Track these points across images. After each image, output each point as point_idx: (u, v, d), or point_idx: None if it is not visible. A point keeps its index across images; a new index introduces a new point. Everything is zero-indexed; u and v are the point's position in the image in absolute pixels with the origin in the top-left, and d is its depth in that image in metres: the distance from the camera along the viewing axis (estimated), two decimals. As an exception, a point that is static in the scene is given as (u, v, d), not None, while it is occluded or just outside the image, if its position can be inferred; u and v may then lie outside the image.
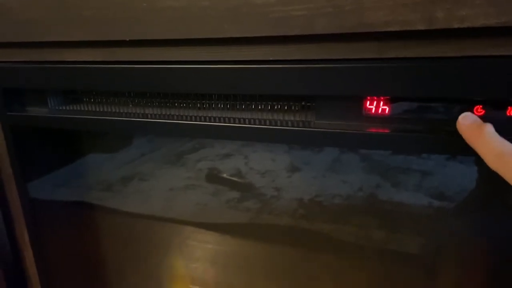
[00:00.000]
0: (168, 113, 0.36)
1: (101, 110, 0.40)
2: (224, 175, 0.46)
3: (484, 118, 0.27)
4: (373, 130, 0.30)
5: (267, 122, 0.33)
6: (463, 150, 0.28)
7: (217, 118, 0.34)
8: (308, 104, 0.32)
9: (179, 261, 0.52)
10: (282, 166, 0.43)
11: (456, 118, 0.28)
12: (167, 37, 0.31)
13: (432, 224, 0.38)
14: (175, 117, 0.35)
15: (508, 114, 0.27)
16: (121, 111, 0.38)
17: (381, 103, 0.30)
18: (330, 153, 0.40)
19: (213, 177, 0.46)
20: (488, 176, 0.29)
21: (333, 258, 0.44)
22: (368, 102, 0.30)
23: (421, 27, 0.25)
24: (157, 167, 0.49)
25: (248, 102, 0.33)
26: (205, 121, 0.34)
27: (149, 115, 0.37)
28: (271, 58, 0.30)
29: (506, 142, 0.24)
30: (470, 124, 0.26)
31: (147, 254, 0.52)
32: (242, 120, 0.33)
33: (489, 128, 0.25)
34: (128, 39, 0.32)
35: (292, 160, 0.42)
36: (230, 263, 0.50)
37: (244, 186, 0.45)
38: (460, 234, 0.37)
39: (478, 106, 0.27)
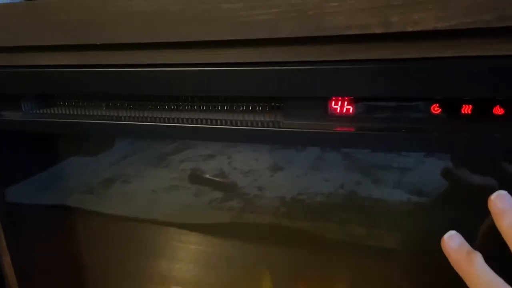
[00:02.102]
0: (142, 115, 0.37)
1: (76, 113, 0.40)
2: (207, 176, 0.46)
3: (440, 116, 0.29)
4: (339, 129, 0.31)
5: (238, 123, 0.34)
6: (421, 147, 0.29)
7: (189, 120, 0.35)
8: (277, 105, 0.33)
9: (162, 262, 0.52)
10: (265, 166, 0.43)
11: (415, 115, 0.30)
12: (139, 41, 0.32)
13: (411, 219, 0.39)
14: (148, 119, 0.36)
15: (462, 112, 0.29)
16: (96, 113, 0.39)
17: (345, 103, 0.31)
18: (313, 152, 0.41)
19: (196, 177, 0.46)
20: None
21: (315, 255, 0.45)
22: (333, 102, 0.31)
23: (378, 30, 0.26)
24: (140, 168, 0.49)
25: (219, 104, 0.34)
26: (178, 123, 0.35)
27: (122, 118, 0.37)
28: (240, 61, 0.31)
29: (499, 280, 0.23)
30: (457, 248, 0.25)
31: (129, 256, 0.52)
32: (214, 121, 0.34)
33: (479, 259, 0.24)
34: (99, 43, 0.32)
35: (275, 159, 0.43)
36: (213, 263, 0.50)
37: (227, 186, 0.45)
38: (436, 229, 0.38)
39: (435, 104, 0.29)
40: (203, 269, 0.51)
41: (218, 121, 0.34)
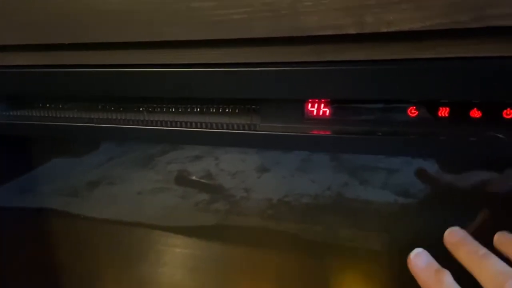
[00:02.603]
0: (113, 117, 0.35)
1: (47, 115, 0.38)
2: (193, 177, 0.45)
3: (417, 119, 0.28)
4: (315, 132, 0.31)
5: (214, 126, 0.33)
6: (398, 151, 0.29)
7: (162, 122, 0.34)
8: (253, 107, 0.32)
9: (145, 266, 0.51)
10: (252, 167, 0.42)
11: (392, 118, 0.29)
12: (110, 40, 0.31)
13: (397, 220, 0.39)
14: (120, 121, 0.35)
15: (439, 115, 0.28)
16: (68, 116, 0.38)
17: (322, 105, 0.30)
18: (300, 153, 0.40)
19: (182, 179, 0.46)
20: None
21: (301, 257, 0.44)
22: (309, 105, 0.31)
23: (352, 31, 0.25)
24: (126, 170, 0.48)
25: (193, 106, 0.33)
26: (150, 125, 0.34)
27: (95, 120, 0.36)
28: (213, 62, 0.30)
29: None
30: (425, 267, 0.25)
31: (112, 260, 0.51)
32: (188, 123, 0.33)
33: (448, 278, 0.24)
34: (67, 43, 0.31)
35: (262, 160, 0.42)
36: (198, 266, 0.49)
37: (213, 187, 0.45)
38: (422, 230, 0.38)
39: (412, 107, 0.29)
40: (187, 273, 0.50)
41: (192, 124, 0.33)
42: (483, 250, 0.24)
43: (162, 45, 0.30)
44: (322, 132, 0.30)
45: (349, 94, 0.28)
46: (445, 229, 0.29)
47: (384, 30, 0.25)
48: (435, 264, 0.25)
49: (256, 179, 0.43)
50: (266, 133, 0.31)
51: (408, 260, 0.26)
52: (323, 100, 0.30)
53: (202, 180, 0.45)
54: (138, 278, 0.52)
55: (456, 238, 0.25)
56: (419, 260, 0.25)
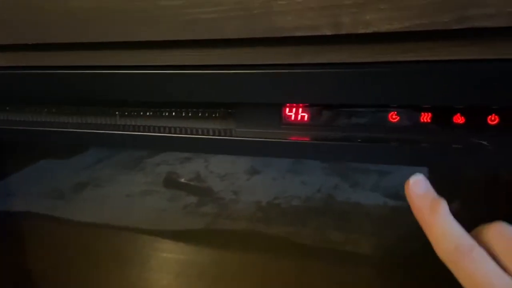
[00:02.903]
0: (83, 121, 0.33)
1: (15, 119, 0.37)
2: (182, 180, 0.44)
3: (398, 125, 0.27)
4: (293, 138, 0.29)
5: (188, 131, 0.31)
6: (379, 159, 0.27)
7: (134, 127, 0.32)
8: (228, 111, 0.31)
9: (131, 271, 0.50)
10: (242, 169, 0.42)
11: (372, 124, 0.27)
12: (74, 41, 0.29)
13: (387, 223, 0.38)
14: (91, 125, 0.33)
15: (421, 121, 0.27)
16: (34, 119, 0.36)
17: (300, 110, 0.29)
18: None
19: (171, 181, 0.45)
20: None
21: (291, 261, 0.43)
22: (287, 109, 0.29)
23: (328, 32, 0.24)
24: (114, 172, 0.47)
25: (165, 109, 0.32)
26: (119, 130, 0.32)
27: (63, 124, 0.34)
28: (183, 63, 0.28)
29: (461, 231, 0.22)
30: (422, 195, 0.23)
31: (99, 265, 0.50)
32: (159, 128, 0.31)
33: (444, 208, 0.22)
34: (31, 43, 0.29)
35: (252, 162, 0.42)
36: (185, 271, 0.48)
37: (202, 190, 0.44)
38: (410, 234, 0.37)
39: (393, 112, 0.27)
40: (174, 279, 0.49)
41: (165, 129, 0.31)
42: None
43: (130, 45, 0.28)
44: (300, 139, 0.29)
45: (328, 98, 0.27)
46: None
47: (362, 31, 0.23)
48: (433, 193, 0.23)
49: (246, 181, 0.42)
50: (241, 139, 0.30)
51: (406, 185, 0.24)
52: (301, 105, 0.29)
53: (191, 183, 0.44)
54: (124, 283, 0.51)
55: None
56: (418, 186, 0.24)
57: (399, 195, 0.35)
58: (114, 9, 0.27)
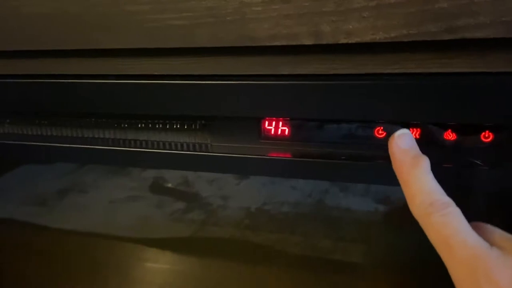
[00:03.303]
0: (43, 133, 0.31)
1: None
2: (170, 185, 0.43)
3: (384, 141, 0.25)
4: (273, 154, 0.27)
5: (159, 145, 0.29)
6: (365, 178, 0.25)
7: (100, 140, 0.30)
8: (203, 123, 0.29)
9: (115, 281, 0.48)
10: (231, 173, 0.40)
11: (357, 140, 0.25)
12: (29, 48, 0.27)
13: (377, 230, 0.38)
14: (48, 138, 0.30)
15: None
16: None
17: (280, 124, 0.27)
18: None
19: (158, 187, 0.43)
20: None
21: (279, 270, 0.42)
22: (266, 123, 0.27)
23: (307, 41, 0.22)
24: (99, 177, 0.45)
25: (133, 121, 0.29)
26: (86, 144, 0.29)
27: (21, 136, 0.31)
28: (155, 73, 0.26)
29: (440, 190, 0.21)
30: (405, 149, 0.22)
31: (80, 275, 0.48)
32: (127, 142, 0.29)
33: (426, 165, 0.21)
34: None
35: None
36: (169, 281, 0.46)
37: (190, 195, 0.42)
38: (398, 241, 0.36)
39: (379, 127, 0.25)
40: None
41: (134, 142, 0.29)
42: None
43: (92, 53, 0.26)
44: (280, 155, 0.27)
45: (310, 112, 0.25)
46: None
47: (344, 41, 0.21)
48: (416, 150, 0.22)
49: (235, 186, 0.41)
50: (217, 154, 0.28)
51: (391, 138, 0.23)
52: (281, 119, 0.27)
53: (179, 188, 0.42)
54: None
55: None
56: (402, 140, 0.22)
57: (390, 200, 0.35)
58: (74, 13, 0.25)
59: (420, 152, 0.22)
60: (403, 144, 0.22)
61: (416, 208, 0.21)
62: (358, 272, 0.39)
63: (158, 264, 0.46)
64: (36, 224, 0.48)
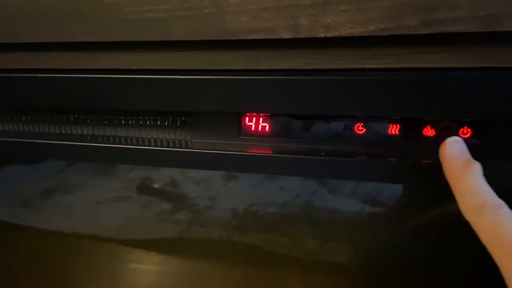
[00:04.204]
0: (19, 129, 0.30)
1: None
2: (157, 185, 0.42)
3: (365, 137, 0.25)
4: (253, 151, 0.26)
5: (138, 141, 0.28)
6: (345, 174, 0.25)
7: (71, 136, 0.29)
8: (183, 119, 0.28)
9: (100, 282, 0.48)
10: (219, 174, 0.40)
11: (338, 136, 0.25)
12: (10, 41, 0.26)
13: (364, 231, 0.37)
14: (28, 134, 0.30)
15: (389, 133, 0.24)
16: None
17: (260, 120, 0.26)
18: None
19: (144, 187, 0.42)
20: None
21: (266, 271, 0.42)
22: (247, 119, 0.27)
23: (286, 35, 0.21)
24: (84, 178, 0.44)
25: (111, 117, 0.29)
26: (63, 140, 0.28)
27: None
28: (126, 67, 0.25)
29: (492, 192, 0.21)
30: (458, 154, 0.22)
31: (65, 276, 0.48)
32: (106, 138, 0.28)
33: (479, 169, 0.22)
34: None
35: None
36: (155, 283, 0.46)
37: (177, 196, 0.42)
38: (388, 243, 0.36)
39: (359, 123, 0.25)
40: None
41: (112, 138, 0.28)
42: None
43: (68, 46, 0.25)
44: (260, 151, 0.26)
45: (289, 107, 0.25)
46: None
47: (322, 35, 0.21)
48: (468, 155, 0.23)
49: (222, 187, 0.40)
50: (198, 151, 0.27)
51: (442, 144, 0.23)
52: (261, 114, 0.26)
53: (166, 188, 0.42)
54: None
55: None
56: (454, 147, 0.23)
57: (377, 201, 0.34)
58: (45, 4, 0.24)
59: (471, 158, 0.22)
60: (455, 149, 0.23)
61: (468, 210, 0.21)
62: (345, 272, 0.39)
63: (145, 265, 0.46)
64: (21, 225, 0.47)
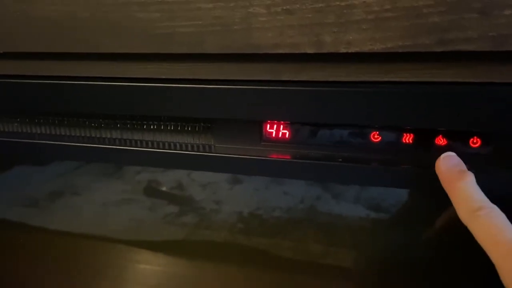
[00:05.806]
0: (52, 133, 0.32)
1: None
2: (164, 188, 0.42)
3: (380, 145, 0.26)
4: (273, 156, 0.28)
5: (165, 145, 0.30)
6: (360, 179, 0.27)
7: (109, 140, 0.31)
8: (208, 125, 0.30)
9: (107, 282, 0.48)
10: (225, 177, 0.40)
11: (354, 143, 0.27)
12: (41, 50, 0.28)
13: (369, 236, 0.38)
14: (63, 137, 0.31)
15: (403, 141, 0.26)
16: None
17: (281, 127, 0.28)
18: None
19: (151, 190, 0.43)
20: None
21: (271, 274, 0.42)
22: (268, 126, 0.28)
23: (310, 50, 0.23)
24: (92, 179, 0.45)
25: (142, 122, 0.30)
26: (96, 143, 0.30)
27: (30, 135, 0.32)
28: (162, 77, 0.27)
29: (484, 198, 0.23)
30: (451, 167, 0.24)
31: (72, 276, 0.48)
32: (135, 142, 0.30)
33: (473, 178, 0.24)
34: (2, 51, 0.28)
35: None
36: (162, 283, 0.47)
37: (183, 199, 0.42)
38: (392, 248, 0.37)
39: (375, 132, 0.27)
40: None
41: (141, 142, 0.30)
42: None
43: (102, 57, 0.27)
44: (280, 156, 0.28)
45: (309, 116, 0.26)
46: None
47: (344, 50, 0.23)
48: (463, 166, 0.24)
49: (228, 191, 0.41)
50: (221, 155, 0.29)
51: (437, 161, 0.25)
52: (282, 122, 0.28)
53: (173, 192, 0.42)
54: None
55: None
56: (447, 161, 0.24)
57: (381, 207, 0.35)
58: (85, 18, 0.26)
59: (465, 168, 0.24)
60: (449, 163, 0.24)
61: (464, 214, 0.23)
62: (349, 277, 0.40)
63: (151, 266, 0.46)
64: (29, 225, 0.48)
